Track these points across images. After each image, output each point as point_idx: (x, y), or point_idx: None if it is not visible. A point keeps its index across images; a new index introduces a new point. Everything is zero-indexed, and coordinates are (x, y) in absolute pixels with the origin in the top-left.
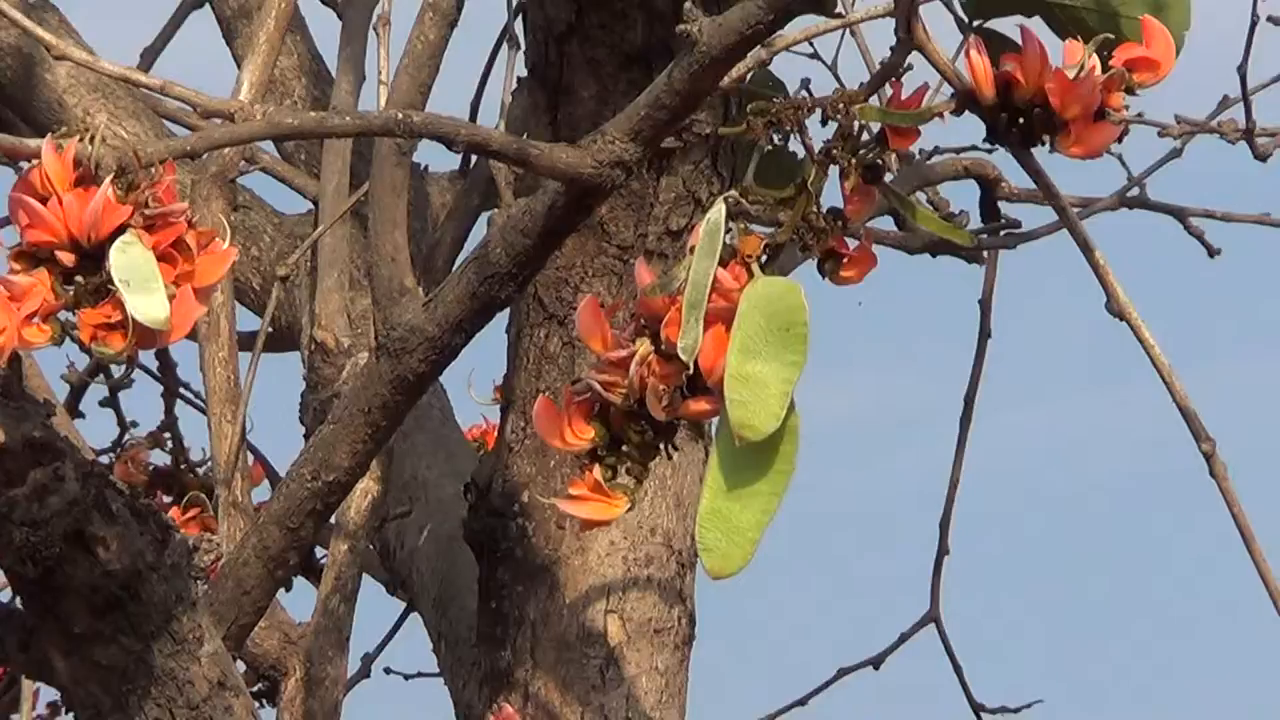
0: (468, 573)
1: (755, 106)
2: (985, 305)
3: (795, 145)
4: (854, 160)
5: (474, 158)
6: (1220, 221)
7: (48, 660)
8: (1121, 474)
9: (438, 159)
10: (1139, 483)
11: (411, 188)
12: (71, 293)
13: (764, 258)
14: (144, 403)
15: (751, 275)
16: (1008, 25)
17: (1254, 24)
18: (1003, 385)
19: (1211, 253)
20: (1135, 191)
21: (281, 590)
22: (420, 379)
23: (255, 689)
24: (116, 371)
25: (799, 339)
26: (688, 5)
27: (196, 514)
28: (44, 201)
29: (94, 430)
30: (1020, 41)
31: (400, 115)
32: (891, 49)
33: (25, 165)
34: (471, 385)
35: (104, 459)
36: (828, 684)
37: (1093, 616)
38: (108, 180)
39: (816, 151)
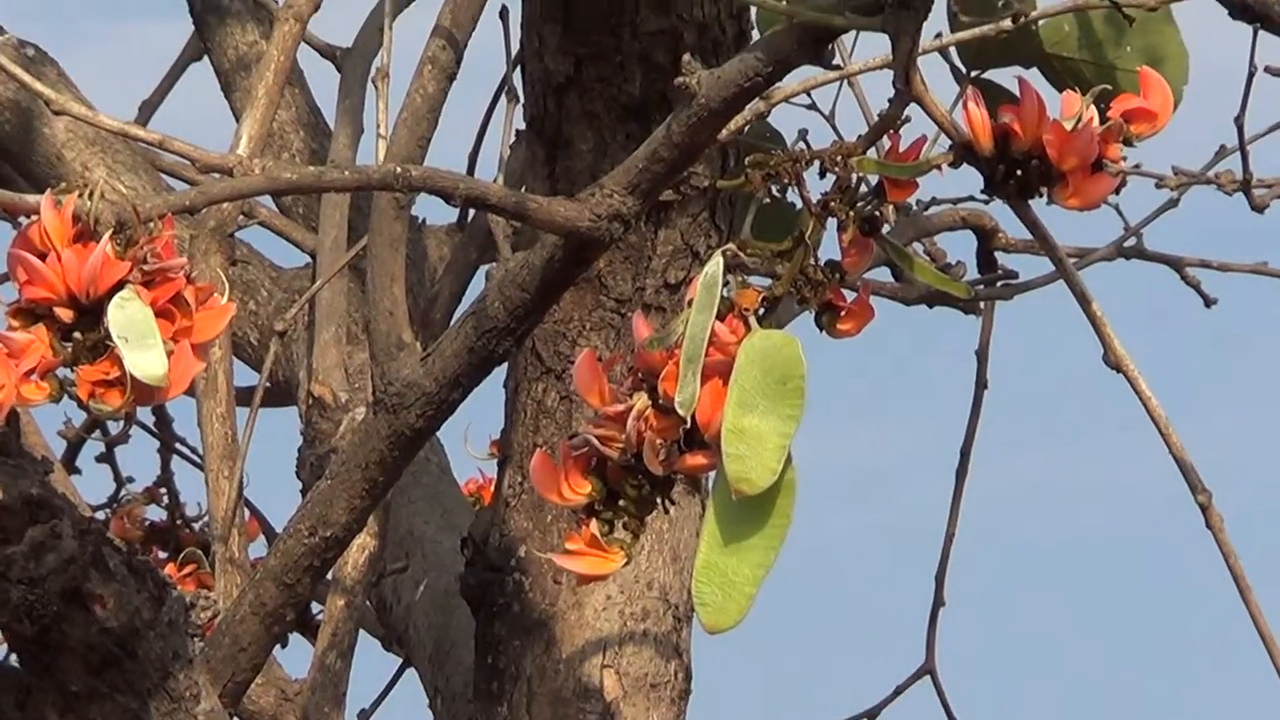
0: (464, 628)
1: (753, 159)
2: (981, 356)
3: (793, 197)
4: (852, 212)
5: (472, 211)
6: (1217, 271)
7: (44, 719)
8: (1119, 524)
9: (436, 212)
10: (1136, 532)
11: (409, 241)
12: (70, 349)
13: (761, 311)
14: (140, 458)
15: (749, 328)
16: (1005, 77)
17: (1251, 75)
18: (999, 435)
19: (1208, 302)
20: (1132, 242)
21: (278, 647)
22: (417, 434)
23: None
24: (113, 427)
25: (796, 392)
26: (686, 58)
27: (193, 570)
28: (42, 257)
29: (90, 486)
30: (1018, 93)
31: (399, 169)
32: (889, 100)
33: (24, 221)
34: (468, 440)
35: (100, 515)
36: None
37: (1090, 666)
38: (106, 236)
39: (814, 204)
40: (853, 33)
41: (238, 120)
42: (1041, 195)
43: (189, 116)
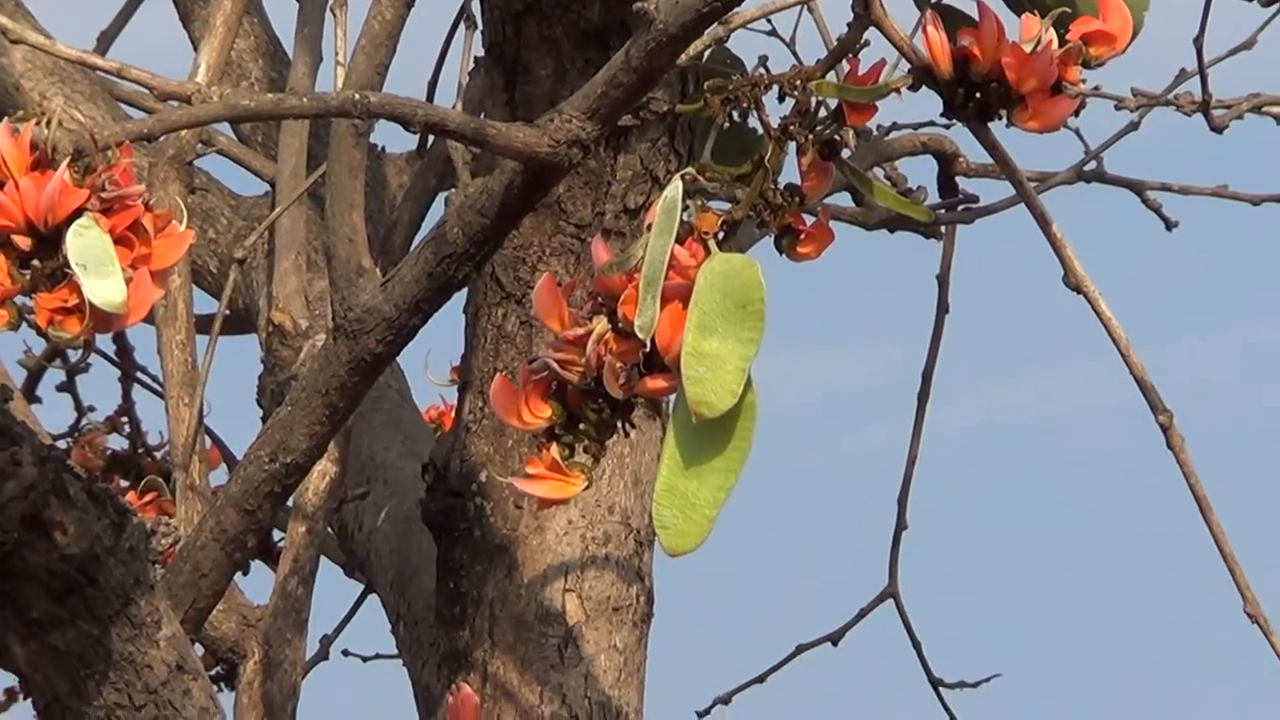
0: (426, 553)
1: (712, 84)
2: (943, 281)
3: (753, 122)
4: (811, 136)
5: (431, 138)
6: (1178, 194)
7: (5, 646)
8: (1082, 449)
9: (395, 140)
10: (1099, 457)
11: (369, 169)
12: (28, 277)
13: (721, 234)
14: (101, 387)
15: (708, 252)
16: (964, 2)
17: None
18: (961, 361)
19: (1169, 225)
20: (1092, 165)
21: (239, 573)
22: (377, 360)
23: (213, 672)
24: (73, 356)
25: (756, 315)
26: None
27: (154, 498)
28: (0, 186)
29: (51, 415)
30: (977, 17)
31: (357, 96)
32: (849, 25)
33: None
34: (428, 366)
35: (61, 444)
36: (786, 661)
37: (1052, 592)
38: (64, 164)
39: (774, 128)
40: None
41: (196, 50)
42: (1001, 118)
43: (148, 48)
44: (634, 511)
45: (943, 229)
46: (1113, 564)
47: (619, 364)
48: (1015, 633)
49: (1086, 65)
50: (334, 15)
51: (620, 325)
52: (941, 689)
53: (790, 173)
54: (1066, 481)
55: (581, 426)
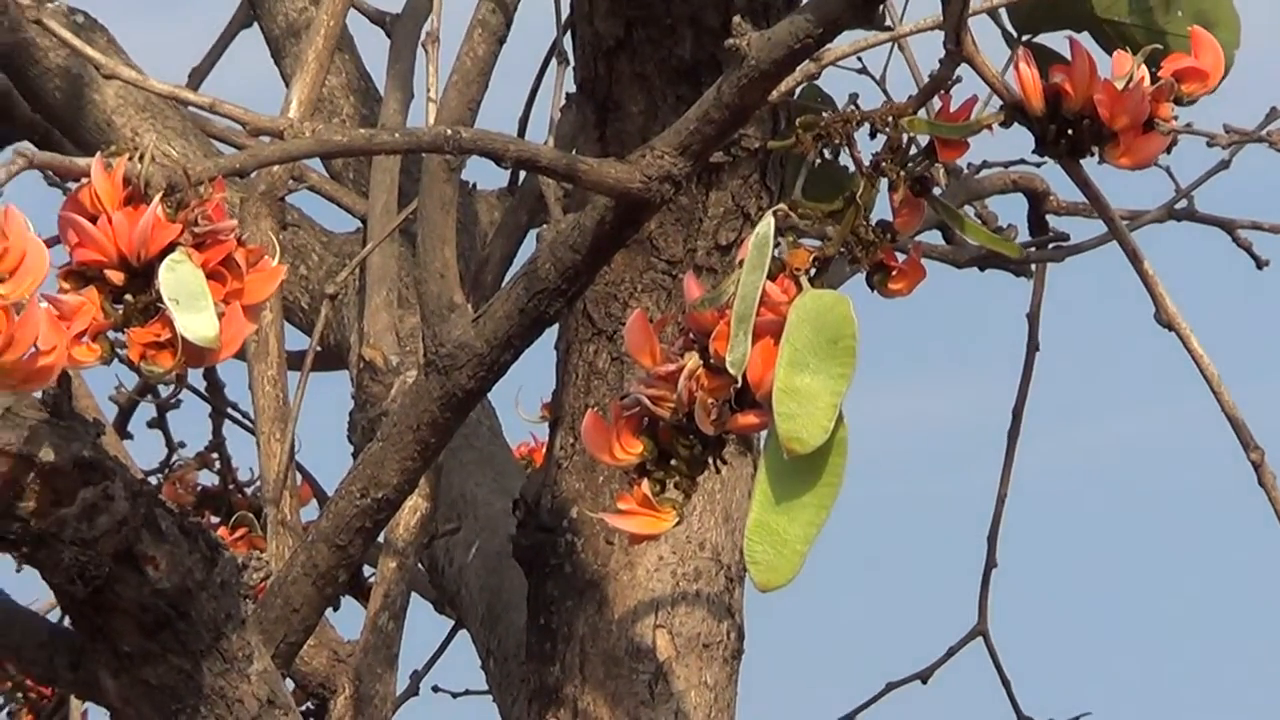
0: (516, 589)
1: (804, 120)
2: (1033, 319)
3: (844, 159)
4: (902, 173)
5: (523, 174)
6: (1269, 233)
7: (97, 680)
8: (1173, 487)
9: (486, 176)
10: (1191, 496)
11: (460, 205)
12: (121, 311)
13: (812, 271)
14: (192, 423)
15: (800, 288)
16: (1056, 41)
17: None
18: (1053, 400)
19: (1260, 264)
20: (1183, 204)
21: (330, 609)
22: (469, 395)
23: (304, 707)
24: (165, 392)
25: (847, 351)
26: (736, 19)
27: (244, 534)
28: (93, 220)
29: (142, 451)
30: (1069, 55)
31: (449, 131)
32: (940, 61)
33: (74, 185)
34: (519, 402)
35: (152, 480)
36: (876, 698)
37: (1143, 629)
38: (157, 198)
39: (865, 164)
40: None
41: (288, 86)
42: (1093, 155)
43: (239, 85)
44: (724, 547)
45: (1033, 267)
46: (1203, 602)
47: (710, 400)
48: (1104, 670)
49: (1178, 102)
50: (426, 51)
51: (712, 361)
52: None
53: (882, 209)
54: (1157, 520)
55: (673, 462)
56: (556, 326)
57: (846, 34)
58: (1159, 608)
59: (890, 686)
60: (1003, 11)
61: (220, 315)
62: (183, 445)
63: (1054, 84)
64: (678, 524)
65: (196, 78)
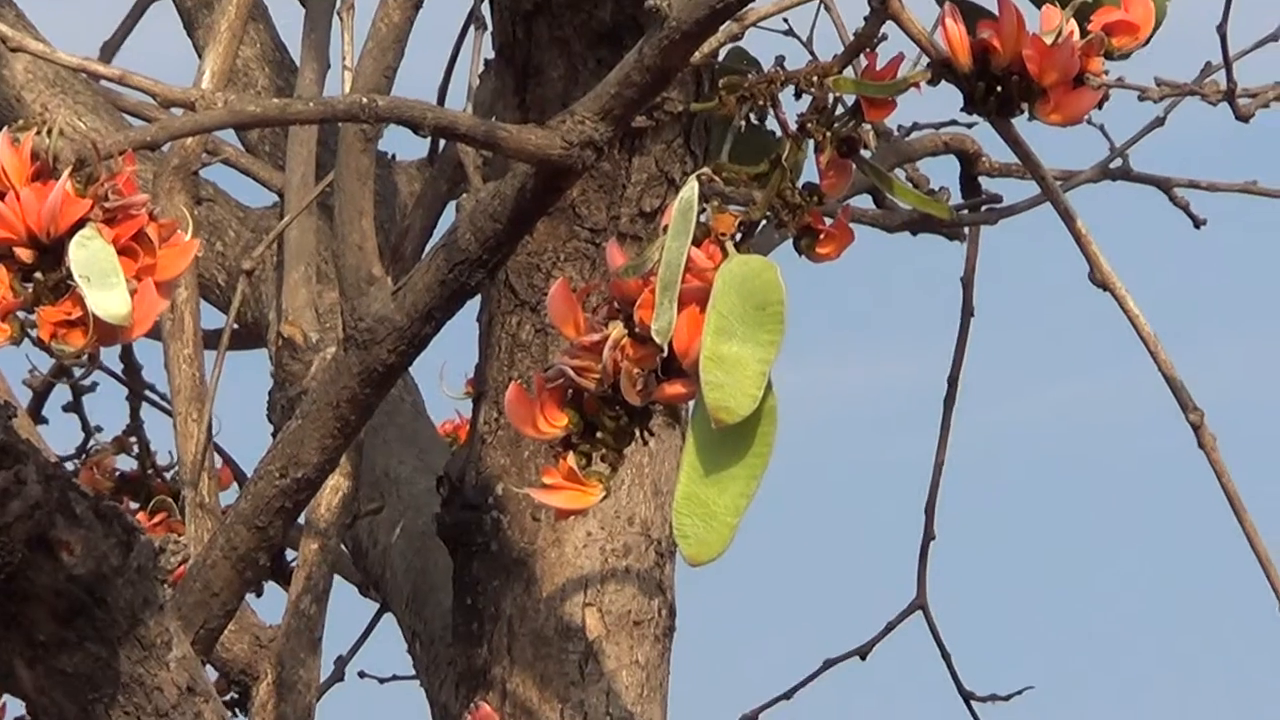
0: (442, 570)
1: (728, 82)
2: (967, 283)
3: (770, 123)
4: (829, 133)
5: (442, 143)
6: (1205, 191)
7: (11, 669)
8: (1113, 453)
9: (405, 146)
10: (1131, 461)
11: (378, 176)
12: (30, 290)
13: (739, 236)
14: (109, 406)
15: (726, 254)
16: None
17: None
18: (988, 366)
19: (1197, 223)
20: (1118, 163)
21: (252, 593)
22: (389, 370)
23: (226, 695)
24: (79, 374)
25: (775, 318)
26: None
27: (163, 519)
28: (1, 197)
29: (58, 436)
30: (996, 10)
31: (365, 100)
32: (865, 19)
33: None
34: (443, 378)
35: (69, 465)
36: (813, 676)
37: (1083, 602)
38: (66, 173)
39: (791, 126)
40: None
41: (201, 58)
42: (1023, 112)
43: (152, 58)
44: (654, 522)
45: (966, 230)
46: (1145, 570)
47: (636, 370)
48: (1046, 644)
49: (1109, 56)
50: (341, 20)
51: (637, 330)
52: (973, 702)
53: (809, 173)
54: (1097, 487)
55: (599, 435)
56: (478, 298)
57: None
58: (1100, 577)
59: (828, 664)
60: None
61: (132, 292)
62: (99, 429)
63: (982, 40)
64: (605, 498)
65: (108, 51)
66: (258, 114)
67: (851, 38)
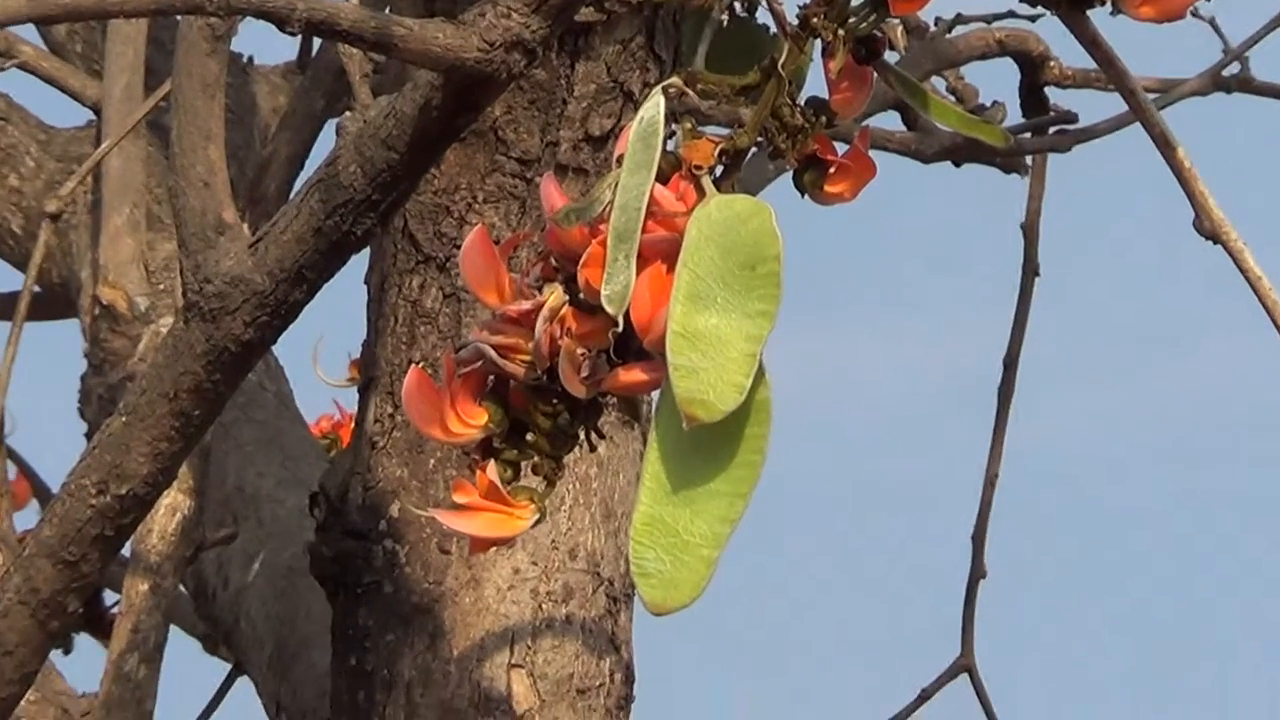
0: (316, 619)
1: None
2: (1030, 232)
3: (762, 15)
4: (842, 31)
5: (317, 43)
6: None
7: None
8: (1225, 445)
9: (267, 47)
10: (1234, 462)
11: (231, 87)
12: None
13: (719, 170)
14: None
15: (702, 194)
16: None
17: None
18: (1058, 345)
19: None
20: (1234, 69)
21: (58, 651)
22: (246, 349)
23: None
24: None
25: (769, 280)
26: None
27: None
28: None
29: None
30: None
31: None
32: None
33: None
34: (318, 359)
35: None
36: None
37: (1153, 644)
38: None
39: (789, 21)
40: None
41: None
42: (1104, 2)
43: None
44: (605, 555)
45: (1028, 160)
46: (1241, 618)
47: (581, 350)
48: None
49: None
50: None
51: (582, 296)
52: None
53: (816, 84)
54: (1199, 501)
55: (529, 437)
56: (367, 253)
57: None
58: (1178, 619)
59: None
60: None
61: None
62: None
63: None
64: (538, 523)
65: None
66: (68, 4)
67: None
